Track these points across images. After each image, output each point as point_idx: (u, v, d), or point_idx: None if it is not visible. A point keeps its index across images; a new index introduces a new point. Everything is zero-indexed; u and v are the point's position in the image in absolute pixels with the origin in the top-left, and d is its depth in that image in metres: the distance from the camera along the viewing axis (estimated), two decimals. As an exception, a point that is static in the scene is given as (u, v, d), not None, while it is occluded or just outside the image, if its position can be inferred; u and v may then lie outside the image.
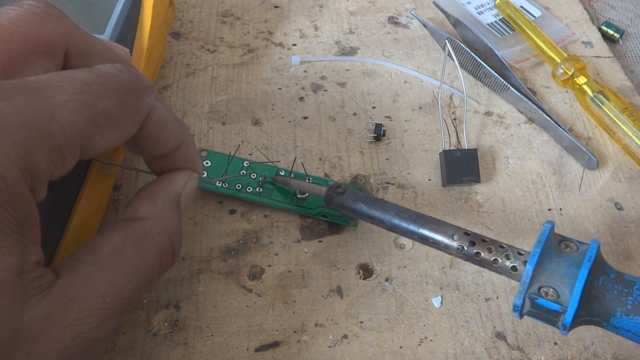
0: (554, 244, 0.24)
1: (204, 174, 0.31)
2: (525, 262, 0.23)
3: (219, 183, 0.31)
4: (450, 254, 0.25)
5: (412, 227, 0.26)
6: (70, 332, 0.18)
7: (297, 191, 0.31)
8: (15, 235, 0.17)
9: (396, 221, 0.26)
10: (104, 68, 0.20)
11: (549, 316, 0.23)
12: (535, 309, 0.23)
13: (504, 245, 0.24)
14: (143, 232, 0.22)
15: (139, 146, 0.23)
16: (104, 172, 0.28)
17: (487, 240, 0.25)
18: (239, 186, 0.31)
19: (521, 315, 0.24)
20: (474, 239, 0.25)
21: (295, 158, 0.34)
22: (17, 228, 0.17)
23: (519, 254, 0.24)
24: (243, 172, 0.31)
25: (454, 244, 0.25)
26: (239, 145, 0.34)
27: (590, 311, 0.22)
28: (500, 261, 0.24)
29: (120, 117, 0.20)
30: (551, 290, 0.22)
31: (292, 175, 0.32)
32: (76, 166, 0.19)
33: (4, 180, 0.16)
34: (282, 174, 0.32)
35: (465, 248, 0.25)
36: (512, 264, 0.24)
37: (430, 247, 0.26)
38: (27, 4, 0.21)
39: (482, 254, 0.24)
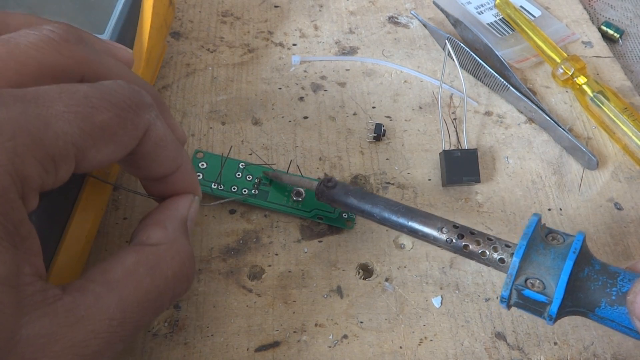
0: (541, 236, 0.24)
1: (199, 175, 0.31)
2: (512, 254, 0.24)
3: (214, 185, 0.31)
4: (439, 246, 0.26)
5: (402, 220, 0.26)
6: (73, 353, 0.18)
7: (293, 193, 0.31)
8: (4, 244, 0.16)
9: (386, 214, 0.26)
10: (106, 83, 0.20)
11: (535, 307, 0.23)
12: (522, 300, 0.23)
13: (492, 238, 0.25)
14: (156, 257, 0.21)
15: (135, 165, 0.23)
16: (104, 172, 0.28)
17: (476, 232, 0.25)
18: (234, 188, 0.31)
19: (508, 307, 0.24)
20: (463, 232, 0.25)
21: (291, 161, 0.34)
22: (7, 236, 0.16)
23: (507, 246, 0.24)
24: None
25: (443, 237, 0.25)
26: (232, 147, 0.34)
27: (575, 302, 0.23)
28: (488, 253, 0.24)
29: (117, 131, 0.20)
30: (537, 281, 0.23)
31: None
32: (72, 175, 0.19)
33: None
34: None
35: (454, 240, 0.25)
36: (499, 256, 0.24)
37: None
38: (47, 29, 0.21)
39: (471, 246, 0.25)
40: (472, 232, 0.25)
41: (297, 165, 0.33)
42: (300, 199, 0.31)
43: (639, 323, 0.21)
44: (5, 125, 0.17)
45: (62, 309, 0.18)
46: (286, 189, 0.31)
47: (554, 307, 0.22)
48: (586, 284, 0.23)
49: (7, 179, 0.16)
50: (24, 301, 0.17)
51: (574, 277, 0.22)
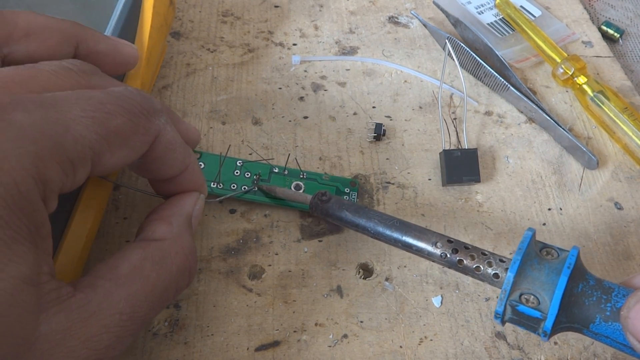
0: (535, 251, 0.24)
1: None
2: (506, 270, 0.24)
3: (213, 184, 0.31)
4: (433, 261, 0.25)
5: (396, 235, 0.26)
6: (87, 347, 0.18)
7: (292, 186, 0.31)
8: (27, 244, 0.17)
9: (380, 229, 0.26)
10: (118, 90, 0.21)
11: (529, 323, 0.23)
12: (516, 315, 0.23)
13: (487, 253, 0.25)
14: (161, 252, 0.22)
15: (145, 168, 0.23)
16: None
17: (470, 247, 0.25)
18: (234, 186, 0.31)
19: (503, 322, 0.24)
20: (457, 247, 0.25)
21: (289, 154, 0.34)
22: (30, 237, 0.17)
23: (501, 261, 0.24)
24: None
25: (437, 252, 0.25)
26: (230, 146, 0.34)
27: (570, 318, 0.22)
28: (482, 268, 0.24)
29: (130, 136, 0.21)
30: (532, 297, 0.22)
31: (286, 172, 0.32)
32: None
33: (18, 189, 0.17)
34: (276, 171, 0.32)
35: (448, 255, 0.25)
36: (494, 272, 0.24)
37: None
38: (67, 61, 0.22)
39: (465, 262, 0.24)
40: (466, 247, 0.25)
41: (295, 159, 0.33)
42: (300, 191, 0.31)
43: (633, 339, 0.21)
44: (28, 130, 0.17)
45: (75, 305, 0.18)
46: (285, 184, 0.31)
47: (548, 323, 0.22)
48: (580, 299, 0.22)
49: (31, 182, 0.17)
50: (42, 299, 0.18)
51: (568, 293, 0.22)
